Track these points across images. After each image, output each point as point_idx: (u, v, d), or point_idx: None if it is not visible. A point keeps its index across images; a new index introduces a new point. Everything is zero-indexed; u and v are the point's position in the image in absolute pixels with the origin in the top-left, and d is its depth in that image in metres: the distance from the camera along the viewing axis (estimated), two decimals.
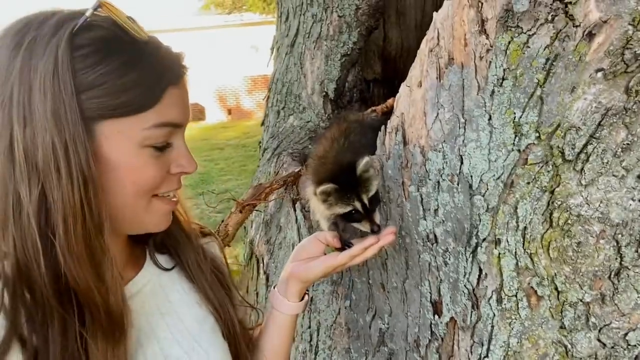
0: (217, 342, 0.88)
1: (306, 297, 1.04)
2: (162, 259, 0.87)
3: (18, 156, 0.63)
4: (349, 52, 2.11)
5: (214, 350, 0.86)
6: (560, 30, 0.86)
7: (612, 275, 0.93)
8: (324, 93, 2.10)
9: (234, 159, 9.80)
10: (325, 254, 1.04)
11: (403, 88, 1.15)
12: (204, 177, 8.55)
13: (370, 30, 2.20)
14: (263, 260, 1.78)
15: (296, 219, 1.55)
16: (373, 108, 1.57)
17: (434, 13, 1.06)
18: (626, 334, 0.95)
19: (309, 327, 1.53)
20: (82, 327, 0.65)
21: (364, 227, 1.14)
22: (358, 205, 1.10)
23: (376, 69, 2.69)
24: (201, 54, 15.56)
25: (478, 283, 1.05)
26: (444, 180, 1.04)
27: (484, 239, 1.01)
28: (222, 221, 1.71)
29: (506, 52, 0.91)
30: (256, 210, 1.76)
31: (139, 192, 0.72)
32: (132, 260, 0.86)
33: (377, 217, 1.15)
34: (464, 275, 1.07)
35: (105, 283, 0.67)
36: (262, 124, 2.30)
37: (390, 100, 1.51)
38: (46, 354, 0.63)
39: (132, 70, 0.67)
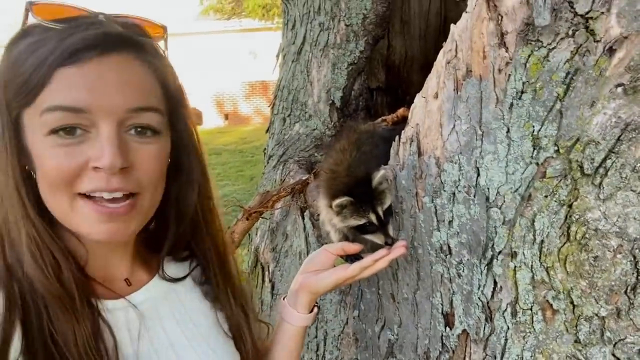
0: (231, 351, 0.87)
1: (315, 308, 1.03)
2: (177, 268, 0.86)
3: None
4: (355, 61, 2.12)
5: (227, 357, 0.86)
6: (581, 45, 0.86)
7: (628, 290, 0.93)
8: (331, 101, 2.10)
9: (231, 164, 9.79)
10: (334, 266, 1.04)
11: (418, 99, 1.15)
12: None
13: (376, 39, 2.21)
14: (268, 268, 1.77)
15: (304, 227, 1.55)
16: (383, 118, 1.57)
17: (452, 25, 1.06)
18: None
19: (316, 337, 1.52)
20: (45, 309, 0.66)
21: (378, 239, 1.14)
22: (373, 217, 1.10)
23: (380, 77, 2.69)
24: (200, 59, 15.59)
25: (492, 296, 1.05)
26: (459, 191, 1.04)
27: (500, 252, 1.01)
28: (229, 228, 1.70)
29: (526, 66, 0.91)
30: (262, 218, 1.75)
31: (51, 186, 0.67)
32: (147, 265, 0.85)
33: (391, 230, 1.15)
34: (479, 288, 1.06)
35: (44, 267, 0.67)
36: (267, 130, 2.29)
37: (401, 110, 1.51)
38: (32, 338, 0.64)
39: (31, 54, 0.65)
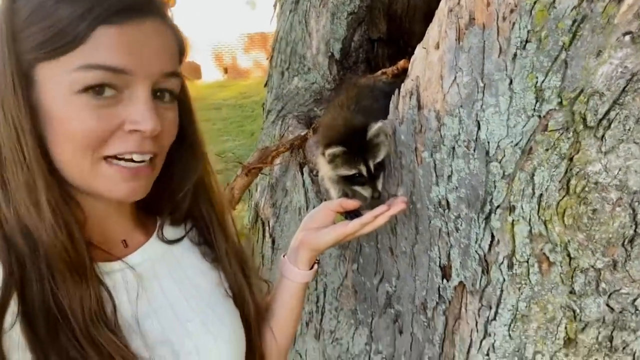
0: (230, 310, 0.88)
1: (316, 265, 1.04)
2: (174, 230, 0.86)
3: None
4: (355, 10, 2.04)
5: (228, 316, 0.86)
6: None
7: (625, 242, 0.93)
8: (330, 53, 2.04)
9: (232, 119, 9.70)
10: (334, 223, 1.04)
11: (419, 50, 1.12)
12: None
13: None
14: (269, 224, 1.78)
15: (303, 183, 1.54)
16: (383, 70, 1.53)
17: None
18: (635, 300, 0.96)
19: (316, 289, 1.55)
20: (49, 274, 0.65)
21: (366, 192, 1.16)
22: (363, 169, 1.11)
23: (381, 28, 2.60)
24: (195, 10, 15.12)
25: (490, 249, 1.05)
26: (459, 146, 1.02)
27: (498, 206, 1.01)
28: (228, 184, 1.70)
29: (531, 13, 0.87)
30: (261, 174, 1.75)
31: (77, 148, 0.65)
32: (143, 227, 0.84)
33: (380, 184, 1.17)
34: (476, 242, 1.07)
35: (56, 229, 0.65)
36: (266, 84, 2.24)
37: (401, 62, 1.47)
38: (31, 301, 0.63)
39: (62, 5, 0.62)
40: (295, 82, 2.07)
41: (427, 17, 2.68)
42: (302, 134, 1.65)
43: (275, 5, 2.36)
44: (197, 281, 0.85)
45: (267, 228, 1.79)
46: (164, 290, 0.80)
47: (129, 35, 0.64)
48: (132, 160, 0.68)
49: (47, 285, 0.64)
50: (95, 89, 0.63)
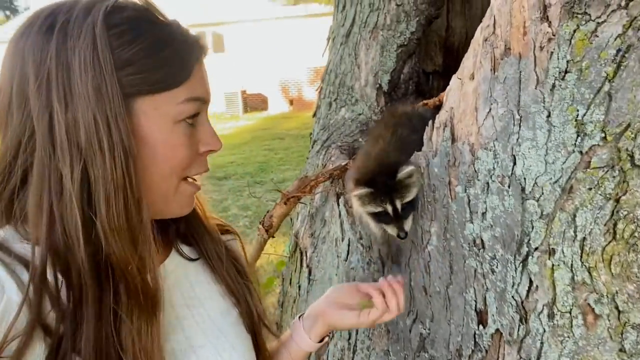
0: (241, 334, 0.86)
1: (327, 338, 1.01)
2: (186, 250, 0.86)
3: (59, 136, 0.63)
4: (405, 43, 2.03)
5: (239, 342, 0.85)
6: (635, 17, 0.76)
7: None
8: (378, 85, 2.03)
9: (293, 149, 9.90)
10: (359, 305, 0.97)
11: (454, 80, 1.08)
12: (263, 166, 8.72)
13: (430, 20, 2.09)
14: (306, 254, 1.76)
15: (339, 214, 1.52)
16: (425, 102, 1.49)
17: None
18: None
19: None
20: (117, 306, 0.65)
21: (392, 230, 1.16)
22: (389, 208, 1.12)
23: (437, 60, 2.57)
24: (267, 45, 15.82)
25: (527, 295, 0.96)
26: (493, 181, 0.96)
27: (536, 248, 0.92)
28: (268, 212, 1.70)
29: (571, 42, 0.81)
30: (301, 203, 1.74)
31: (172, 172, 0.72)
32: (158, 249, 0.85)
33: (408, 225, 1.16)
34: (512, 286, 0.98)
35: (143, 260, 0.67)
36: (314, 115, 2.27)
37: (443, 94, 1.42)
38: (75, 337, 0.62)
39: (165, 48, 0.69)
40: (342, 113, 2.07)
41: None
42: (343, 164, 1.63)
43: (328, 39, 2.40)
44: (209, 304, 0.85)
45: (304, 258, 1.77)
46: (177, 315, 0.80)
47: (204, 68, 0.75)
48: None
49: (106, 321, 0.64)
50: (191, 118, 0.72)
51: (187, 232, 0.86)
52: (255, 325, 0.88)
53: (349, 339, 1.49)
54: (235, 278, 0.87)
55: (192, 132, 0.73)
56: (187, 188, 0.76)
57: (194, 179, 0.78)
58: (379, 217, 1.13)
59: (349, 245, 1.48)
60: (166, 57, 0.68)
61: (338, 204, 1.52)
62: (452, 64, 2.57)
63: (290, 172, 8.25)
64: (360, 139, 1.93)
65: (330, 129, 2.05)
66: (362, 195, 1.11)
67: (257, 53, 15.91)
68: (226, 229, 0.95)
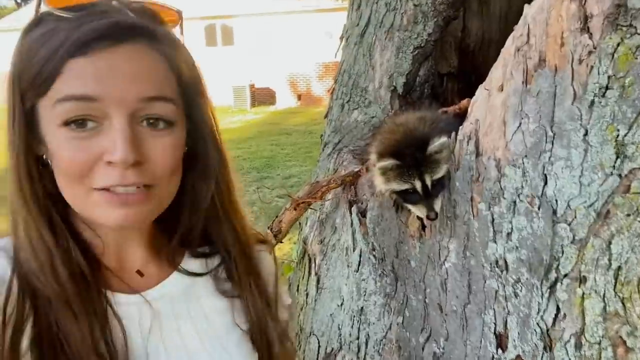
0: (245, 352, 0.82)
1: None
2: (196, 263, 0.82)
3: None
4: (422, 44, 1.96)
5: (242, 359, 0.81)
6: None
7: None
8: (392, 87, 1.96)
9: (300, 144, 9.85)
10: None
11: (480, 91, 1.01)
12: (270, 161, 8.67)
13: (448, 21, 2.02)
14: (315, 260, 1.71)
15: (351, 223, 1.46)
16: (444, 109, 1.43)
17: (525, 5, 0.91)
18: None
19: (357, 339, 1.44)
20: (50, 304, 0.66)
21: (420, 211, 1.04)
22: (418, 185, 1.01)
23: (452, 62, 2.50)
24: (277, 39, 15.73)
25: (554, 323, 0.91)
26: (521, 201, 0.90)
27: (566, 275, 0.86)
28: (276, 217, 1.65)
29: (613, 56, 0.75)
30: (311, 208, 1.68)
31: (66, 177, 0.67)
32: (161, 257, 0.81)
33: (438, 205, 1.04)
34: (538, 312, 0.92)
35: (39, 258, 0.66)
36: (326, 116, 2.21)
37: (464, 102, 1.36)
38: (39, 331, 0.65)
39: (43, 44, 0.64)
40: (355, 115, 2.01)
41: None
42: (355, 170, 1.57)
43: (341, 38, 2.33)
44: (213, 319, 0.81)
45: (313, 265, 1.72)
46: (180, 330, 0.77)
47: (98, 63, 0.63)
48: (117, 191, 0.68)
49: (51, 314, 0.65)
50: (78, 122, 0.64)
51: (215, 242, 0.82)
52: (269, 345, 0.83)
53: (358, 352, 1.44)
54: (256, 296, 0.82)
55: (90, 137, 0.64)
56: (98, 199, 0.66)
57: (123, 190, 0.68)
58: (405, 195, 1.03)
59: (360, 256, 1.42)
60: (41, 56, 0.63)
61: (350, 212, 1.46)
62: (467, 65, 2.50)
63: (297, 168, 8.20)
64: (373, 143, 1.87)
65: (342, 131, 1.99)
66: (387, 168, 1.00)
67: (267, 47, 15.83)
68: (260, 239, 0.90)
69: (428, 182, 1.01)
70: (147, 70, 0.66)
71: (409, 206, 1.07)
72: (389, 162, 1.00)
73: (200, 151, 0.77)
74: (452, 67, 2.48)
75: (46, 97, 0.64)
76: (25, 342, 0.63)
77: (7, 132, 0.67)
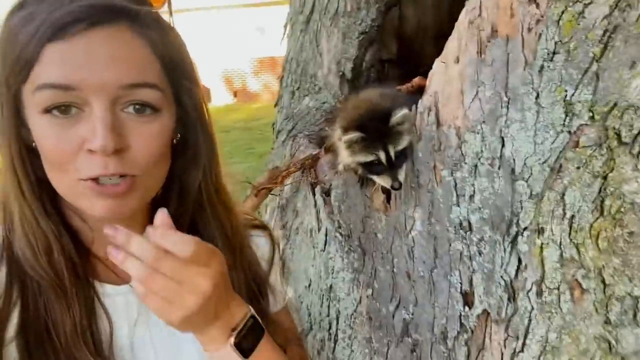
0: None
1: None
2: None
3: None
4: (367, 30, 2.02)
5: None
6: None
7: None
8: (341, 73, 2.01)
9: (240, 141, 9.72)
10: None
11: (437, 64, 1.07)
12: None
13: (389, 7, 2.10)
14: (278, 246, 1.72)
15: (315, 204, 1.49)
16: (398, 87, 1.49)
17: None
18: None
19: (328, 316, 1.48)
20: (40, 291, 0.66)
21: (384, 181, 1.09)
22: (382, 156, 1.05)
23: (391, 48, 2.59)
24: (206, 35, 15.38)
25: (516, 274, 0.98)
26: (482, 164, 0.97)
27: (526, 228, 0.94)
28: None
29: (559, 23, 0.83)
30: (271, 194, 1.69)
31: (51, 164, 0.64)
32: None
33: (401, 174, 1.09)
34: (501, 266, 1.00)
35: (36, 249, 0.65)
36: (276, 104, 2.21)
37: (416, 79, 1.43)
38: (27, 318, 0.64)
39: (21, 30, 0.61)
40: (306, 102, 2.04)
41: (438, 38, 2.65)
42: (314, 153, 1.60)
43: (285, 27, 2.35)
44: None
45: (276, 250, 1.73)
46: None
47: (77, 48, 0.60)
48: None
49: (40, 302, 0.64)
50: (60, 108, 0.61)
51: (201, 235, 0.79)
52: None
53: (329, 329, 1.47)
54: (242, 289, 0.79)
55: (71, 124, 0.61)
56: (84, 190, 0.64)
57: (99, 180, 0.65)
58: (370, 167, 1.07)
59: (326, 235, 1.46)
60: (19, 43, 0.60)
61: (314, 194, 1.49)
62: (405, 52, 2.60)
63: (239, 165, 8.08)
64: (326, 128, 1.90)
65: (294, 118, 2.01)
66: (352, 141, 1.04)
67: (198, 43, 15.45)
68: (255, 224, 0.88)
69: (392, 152, 1.06)
70: (128, 54, 0.63)
71: (374, 177, 1.11)
72: (354, 135, 1.04)
73: (190, 138, 0.74)
74: (392, 54, 2.57)
75: (27, 82, 0.61)
76: (10, 332, 0.62)
77: None
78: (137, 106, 0.64)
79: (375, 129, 1.05)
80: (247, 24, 15.08)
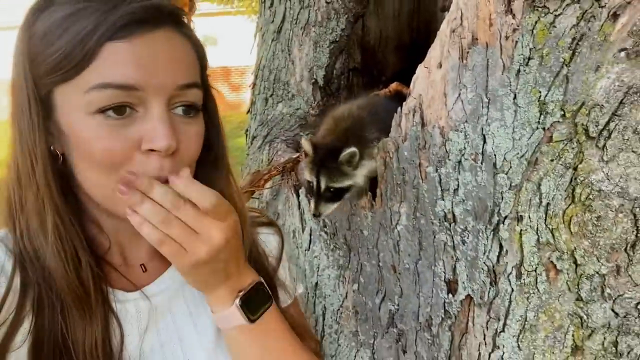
0: None
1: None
2: None
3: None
4: (337, 39, 2.11)
5: None
6: (587, 10, 0.89)
7: (627, 248, 0.97)
8: (314, 80, 2.08)
9: None
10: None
11: (420, 69, 1.16)
12: None
13: (357, 17, 2.20)
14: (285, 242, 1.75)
15: (299, 205, 1.54)
16: (376, 93, 1.57)
17: None
18: (638, 304, 1.00)
19: (314, 312, 1.52)
20: (61, 304, 0.64)
21: (308, 206, 1.25)
22: (314, 182, 1.19)
23: (356, 58, 2.68)
24: None
25: (498, 260, 1.08)
26: (466, 159, 1.06)
27: (506, 216, 1.04)
28: None
29: (533, 32, 0.93)
30: (252, 198, 1.73)
31: (100, 169, 0.63)
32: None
33: (326, 210, 1.21)
34: (484, 253, 1.09)
35: (62, 259, 0.64)
36: (248, 111, 2.25)
37: (394, 85, 1.52)
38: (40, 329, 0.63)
39: (70, 26, 0.60)
40: (280, 108, 2.09)
41: (399, 48, 2.77)
42: (294, 156, 1.65)
43: (255, 35, 2.39)
44: (210, 313, 0.78)
45: None
46: (176, 324, 0.76)
47: (138, 49, 0.61)
48: None
49: (57, 314, 0.63)
50: (115, 109, 0.61)
51: None
52: None
53: (316, 325, 1.52)
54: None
55: (126, 125, 0.62)
56: None
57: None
58: (308, 187, 1.18)
59: (310, 234, 1.51)
60: (69, 39, 0.60)
61: (297, 196, 1.54)
62: (369, 61, 2.71)
63: None
64: (301, 133, 1.96)
65: (269, 124, 2.05)
66: (305, 153, 1.16)
67: None
68: (263, 221, 0.90)
69: (322, 184, 1.15)
70: (181, 56, 0.65)
71: (307, 197, 1.25)
72: (303, 147, 1.17)
73: (213, 141, 0.75)
74: (356, 63, 2.67)
75: (72, 82, 0.60)
76: (19, 337, 0.61)
77: (13, 123, 0.63)
78: (185, 107, 0.66)
79: (321, 155, 1.16)
80: (197, 34, 14.91)
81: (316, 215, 1.18)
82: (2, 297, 0.61)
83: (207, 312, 0.78)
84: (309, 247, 1.51)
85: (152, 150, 0.62)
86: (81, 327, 0.64)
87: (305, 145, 1.16)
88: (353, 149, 1.13)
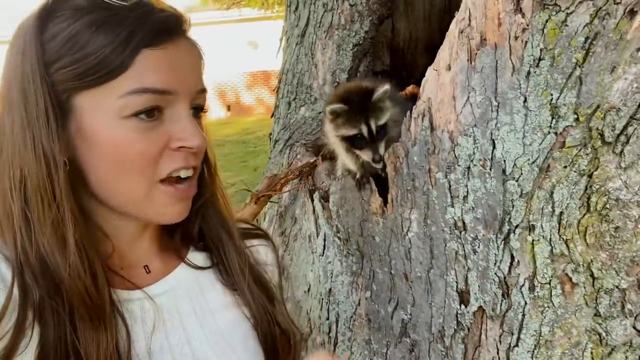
0: (251, 348, 0.81)
1: None
2: (200, 257, 0.82)
3: (5, 140, 0.64)
4: (360, 42, 2.08)
5: (247, 356, 0.80)
6: (601, 7, 0.83)
7: None
8: (336, 84, 2.06)
9: (234, 155, 9.76)
10: None
11: (429, 72, 1.13)
12: None
13: (382, 19, 2.17)
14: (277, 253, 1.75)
15: (313, 210, 1.53)
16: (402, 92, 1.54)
17: None
18: None
19: (328, 319, 1.50)
20: (70, 316, 0.64)
21: (366, 155, 1.16)
22: (364, 129, 1.13)
23: (385, 60, 2.65)
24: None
25: (510, 271, 1.03)
26: (474, 165, 1.01)
27: (517, 226, 0.99)
28: (237, 213, 1.68)
29: (543, 31, 0.88)
30: (270, 202, 1.73)
31: (131, 173, 0.65)
32: (168, 254, 0.81)
33: (382, 149, 1.16)
34: (495, 263, 1.04)
35: (80, 270, 0.63)
36: (272, 115, 2.26)
37: (409, 88, 1.49)
38: (46, 340, 0.62)
39: (100, 33, 0.62)
40: (302, 112, 2.09)
41: (429, 50, 2.72)
42: (311, 161, 1.64)
43: (281, 40, 2.41)
44: (219, 316, 0.80)
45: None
46: (183, 324, 0.77)
47: (170, 56, 0.66)
48: (179, 178, 0.70)
49: (66, 327, 0.63)
50: (147, 112, 0.65)
51: (207, 236, 0.82)
52: (274, 339, 0.83)
53: (329, 332, 1.50)
54: (253, 287, 0.82)
55: (156, 126, 0.65)
56: (162, 193, 0.68)
57: (178, 182, 0.70)
58: (352, 141, 1.14)
59: (324, 240, 1.49)
60: (100, 44, 0.61)
61: (312, 200, 1.53)
62: (398, 63, 2.67)
63: (232, 179, 8.11)
64: (322, 137, 1.95)
65: (291, 128, 2.05)
66: (336, 114, 1.11)
67: None
68: (256, 233, 0.91)
69: (373, 126, 1.14)
70: (197, 63, 0.72)
71: (357, 151, 1.19)
72: (337, 106, 1.12)
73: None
74: (385, 66, 2.64)
75: (104, 87, 0.62)
76: (22, 349, 0.61)
77: (21, 130, 0.63)
78: (196, 109, 0.72)
79: (358, 103, 1.13)
80: (238, 39, 15.23)
81: (376, 160, 1.16)
82: (3, 305, 0.60)
83: (211, 311, 0.80)
84: (323, 253, 1.50)
85: (182, 147, 0.68)
86: (94, 337, 0.64)
87: (333, 104, 1.15)
88: (386, 86, 1.14)
